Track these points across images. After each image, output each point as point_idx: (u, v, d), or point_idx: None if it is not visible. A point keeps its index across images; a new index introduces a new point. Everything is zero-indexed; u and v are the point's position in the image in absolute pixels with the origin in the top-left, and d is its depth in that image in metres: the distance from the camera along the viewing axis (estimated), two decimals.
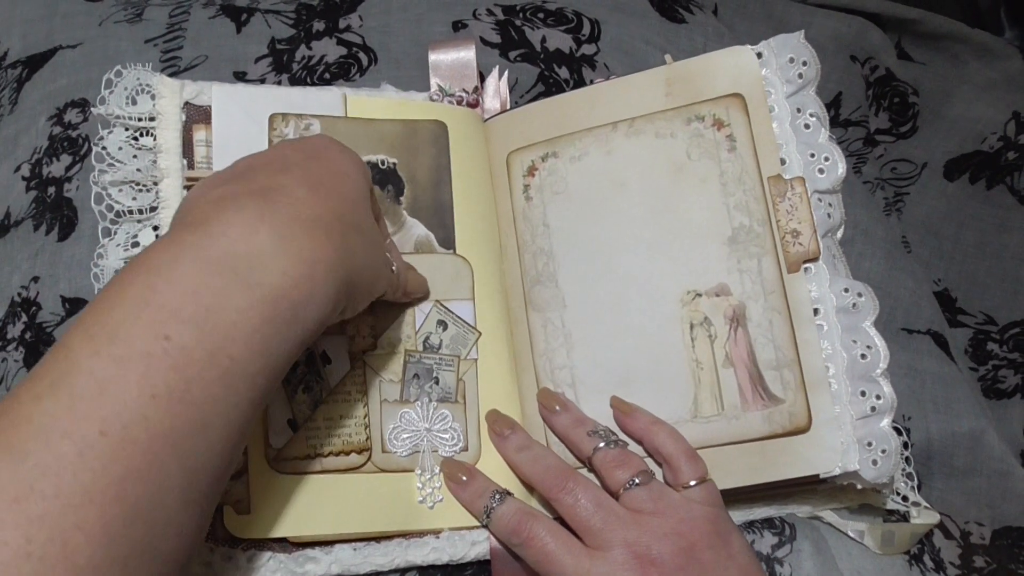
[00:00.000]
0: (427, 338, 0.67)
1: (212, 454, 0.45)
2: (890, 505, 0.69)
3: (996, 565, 0.74)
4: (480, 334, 0.68)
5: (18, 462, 0.39)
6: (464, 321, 0.68)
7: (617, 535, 0.57)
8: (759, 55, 0.70)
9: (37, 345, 0.67)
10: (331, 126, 0.69)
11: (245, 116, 0.67)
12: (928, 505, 0.70)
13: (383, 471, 0.63)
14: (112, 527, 0.40)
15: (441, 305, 0.68)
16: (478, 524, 0.63)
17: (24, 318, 0.68)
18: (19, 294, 0.69)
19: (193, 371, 0.44)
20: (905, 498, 0.70)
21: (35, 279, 0.69)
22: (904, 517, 0.70)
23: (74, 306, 0.67)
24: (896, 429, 0.63)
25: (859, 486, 0.64)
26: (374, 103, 0.71)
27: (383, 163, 0.69)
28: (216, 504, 0.49)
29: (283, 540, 0.60)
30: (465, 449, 0.65)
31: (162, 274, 0.45)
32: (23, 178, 0.74)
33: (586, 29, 0.85)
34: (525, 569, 0.61)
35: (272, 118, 0.67)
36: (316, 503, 0.61)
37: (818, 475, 0.63)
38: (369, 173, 0.60)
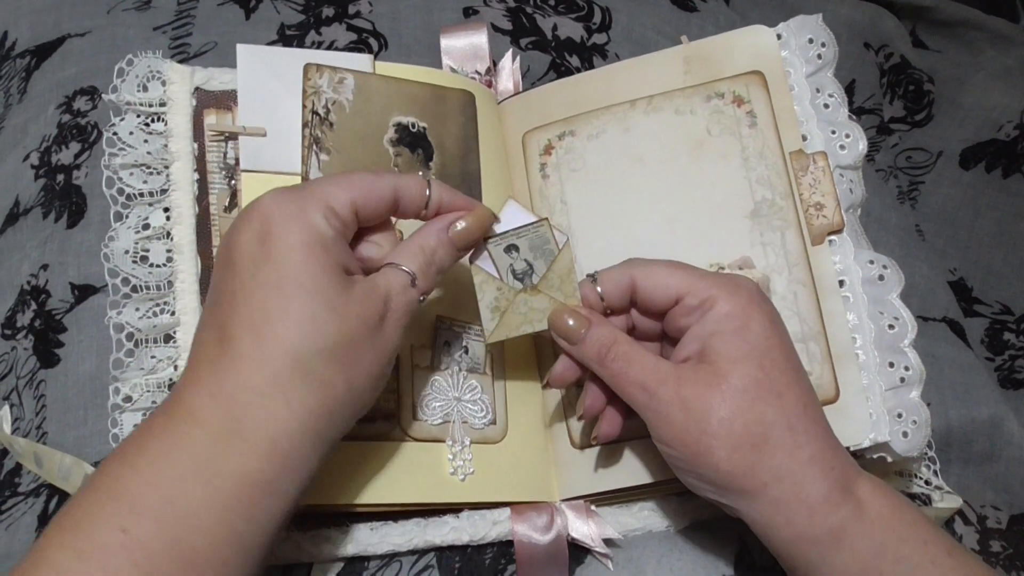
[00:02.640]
0: (510, 271, 0.61)
1: None
2: (913, 489, 0.69)
3: (1012, 550, 0.74)
4: (547, 218, 0.61)
5: None
6: (524, 225, 0.60)
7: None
8: (778, 36, 0.70)
9: (46, 332, 0.66)
10: (364, 81, 0.68)
11: (272, 75, 0.66)
12: (950, 489, 0.69)
13: (414, 439, 0.62)
14: None
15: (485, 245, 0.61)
16: (506, 501, 0.62)
17: (33, 306, 0.67)
18: (28, 282, 0.69)
19: (153, 564, 0.43)
20: (927, 482, 0.69)
21: (44, 267, 0.68)
22: (926, 501, 0.69)
23: (83, 293, 0.67)
24: None
25: (889, 458, 0.63)
26: (403, 68, 0.70)
27: (414, 126, 0.68)
28: None
29: (299, 518, 0.59)
30: (494, 423, 0.65)
31: (127, 462, 0.45)
32: (32, 166, 0.73)
33: (597, 17, 0.85)
34: (546, 552, 0.60)
35: (307, 68, 0.66)
36: (343, 471, 0.59)
37: (848, 448, 0.62)
38: (322, 209, 0.51)
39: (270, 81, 0.65)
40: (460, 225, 0.57)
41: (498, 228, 0.60)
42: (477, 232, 0.58)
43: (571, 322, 0.58)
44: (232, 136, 0.65)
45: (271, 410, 0.47)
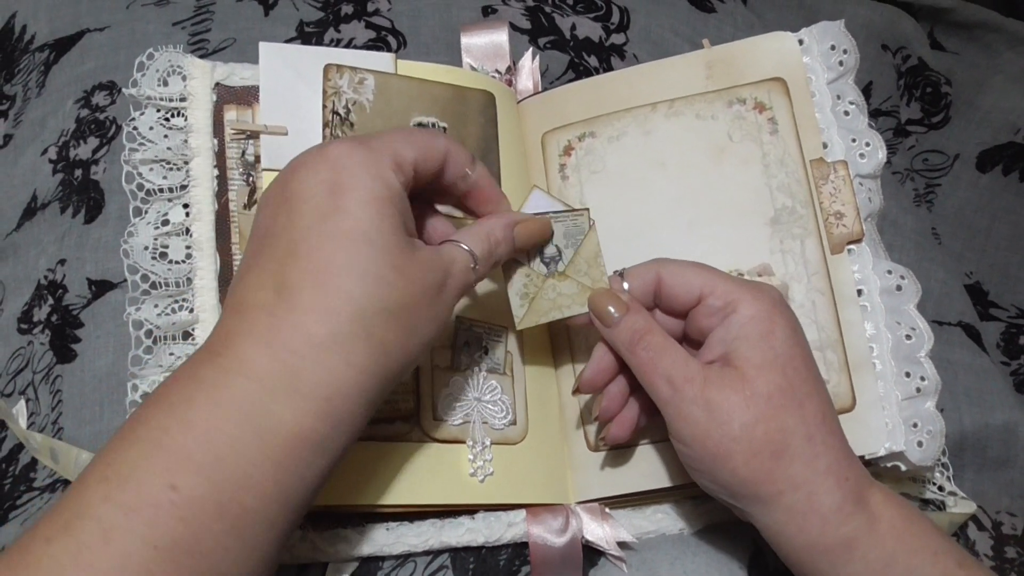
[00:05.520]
0: (539, 256, 0.61)
1: None
2: (927, 495, 0.69)
3: None
4: (588, 209, 0.62)
5: None
6: (561, 211, 0.61)
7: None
8: (800, 42, 0.70)
9: (63, 328, 0.66)
10: (384, 82, 0.68)
11: (294, 74, 0.66)
12: (964, 495, 0.69)
13: (433, 440, 0.62)
14: None
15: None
16: (525, 503, 0.63)
17: (50, 301, 0.68)
18: (45, 277, 0.69)
19: (202, 522, 0.42)
20: (941, 488, 0.69)
21: (61, 262, 0.68)
22: (940, 507, 0.69)
23: (100, 288, 0.67)
24: None
25: (903, 467, 0.63)
26: (424, 67, 0.70)
27: (434, 126, 0.68)
28: None
29: (315, 518, 0.59)
30: (514, 423, 0.65)
31: (177, 414, 0.44)
32: (50, 161, 0.73)
33: (615, 17, 0.85)
34: (561, 554, 0.61)
35: (327, 68, 0.66)
36: (362, 472, 0.59)
37: (863, 456, 0.62)
38: (396, 158, 0.51)
39: (292, 80, 0.65)
40: (526, 227, 0.59)
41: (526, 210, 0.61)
42: (538, 238, 0.60)
43: (610, 307, 0.58)
44: (254, 134, 0.65)
45: (330, 367, 0.46)
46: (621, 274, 0.60)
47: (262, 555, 0.45)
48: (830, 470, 0.53)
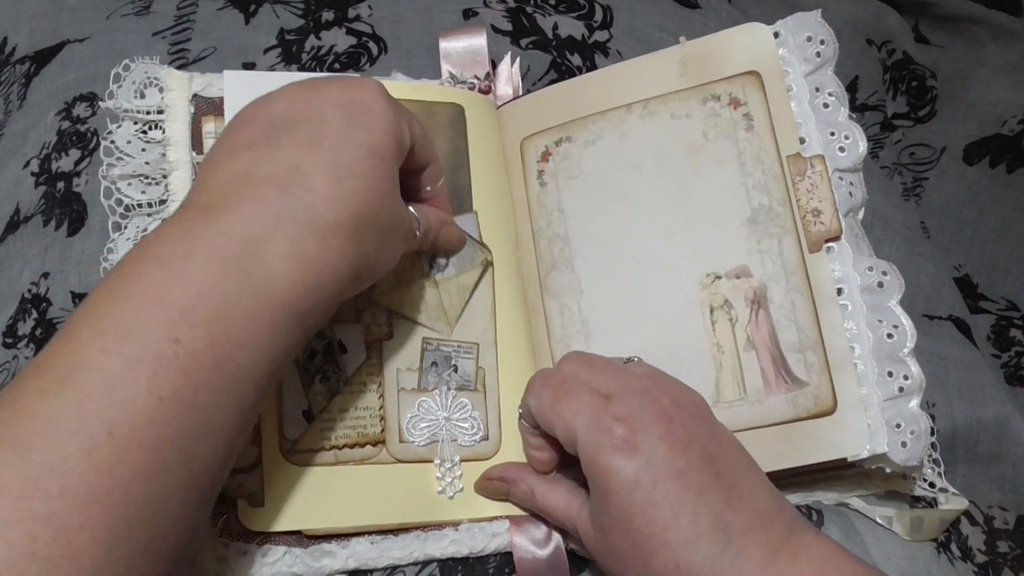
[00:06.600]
0: (432, 259, 0.67)
1: (215, 456, 0.45)
2: (917, 492, 0.69)
3: (1020, 550, 0.73)
4: (490, 252, 0.68)
5: (23, 460, 0.39)
6: (472, 237, 0.67)
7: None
8: (776, 34, 0.69)
9: (47, 341, 0.66)
10: None
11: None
12: (956, 491, 0.69)
13: (400, 461, 0.62)
14: (117, 528, 0.40)
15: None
16: (500, 515, 0.63)
17: (35, 314, 0.67)
18: (29, 290, 0.69)
19: (201, 376, 0.43)
20: (932, 484, 0.69)
21: (45, 275, 0.68)
22: (931, 504, 0.69)
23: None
24: None
25: (888, 470, 0.63)
26: (390, 86, 0.70)
27: None
28: (213, 500, 0.49)
29: (299, 534, 0.59)
30: (486, 438, 0.65)
31: (174, 269, 0.45)
32: (32, 173, 0.73)
33: (598, 15, 0.84)
34: (547, 564, 0.60)
35: None
36: (332, 495, 0.60)
37: (845, 459, 0.61)
38: (408, 128, 0.56)
39: None
40: (450, 231, 0.65)
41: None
42: (452, 245, 0.66)
43: (496, 490, 0.63)
44: None
45: (328, 249, 0.49)
46: (520, 414, 0.62)
47: (246, 415, 0.47)
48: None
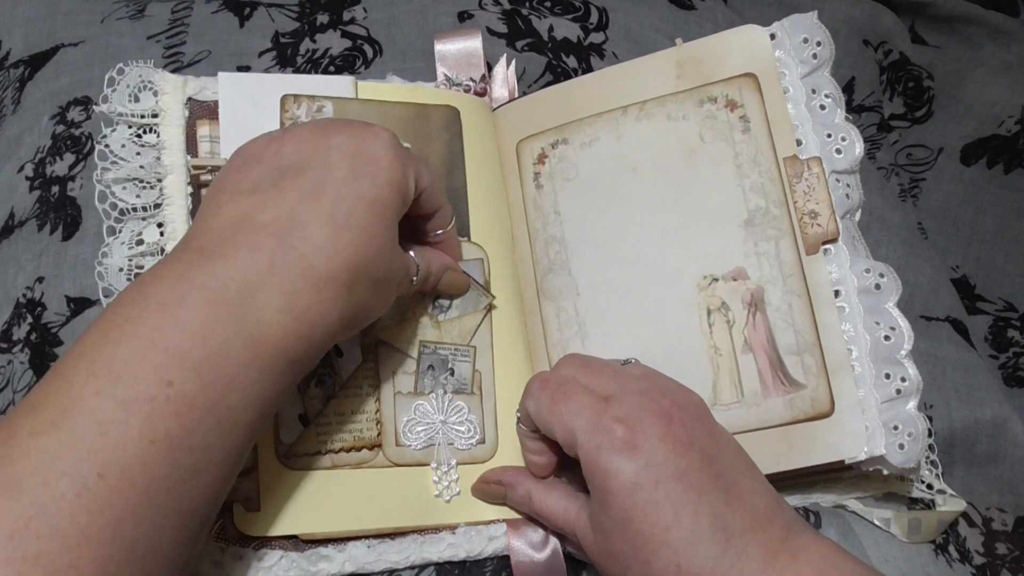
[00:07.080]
0: (435, 300, 0.67)
1: (205, 496, 0.46)
2: (915, 493, 0.68)
3: (1019, 552, 0.73)
4: (494, 297, 0.67)
5: (14, 499, 0.39)
6: (476, 281, 0.67)
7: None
8: (772, 36, 0.69)
9: (43, 346, 0.66)
10: (343, 108, 0.68)
11: (252, 104, 0.66)
12: (954, 493, 0.69)
13: (396, 465, 0.62)
14: (107, 568, 0.41)
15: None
16: (497, 519, 0.62)
17: (29, 319, 0.67)
18: (24, 295, 0.68)
19: (194, 419, 0.44)
20: (930, 486, 0.68)
21: (40, 279, 0.68)
22: (929, 505, 0.69)
23: (79, 306, 0.66)
24: None
25: (885, 472, 0.63)
26: (385, 88, 0.71)
27: None
28: (204, 538, 0.49)
29: (295, 538, 0.59)
30: (482, 442, 0.64)
31: (168, 314, 0.45)
32: (27, 178, 0.73)
33: (594, 17, 0.84)
34: (545, 567, 0.60)
35: (284, 99, 0.66)
36: (328, 499, 0.60)
37: (843, 461, 0.61)
38: (415, 178, 0.57)
39: (251, 110, 0.66)
40: (453, 276, 0.65)
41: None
42: (455, 290, 0.66)
43: (493, 494, 0.63)
44: (215, 168, 0.64)
45: (321, 300, 0.49)
46: (519, 418, 0.62)
47: (236, 456, 0.48)
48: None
